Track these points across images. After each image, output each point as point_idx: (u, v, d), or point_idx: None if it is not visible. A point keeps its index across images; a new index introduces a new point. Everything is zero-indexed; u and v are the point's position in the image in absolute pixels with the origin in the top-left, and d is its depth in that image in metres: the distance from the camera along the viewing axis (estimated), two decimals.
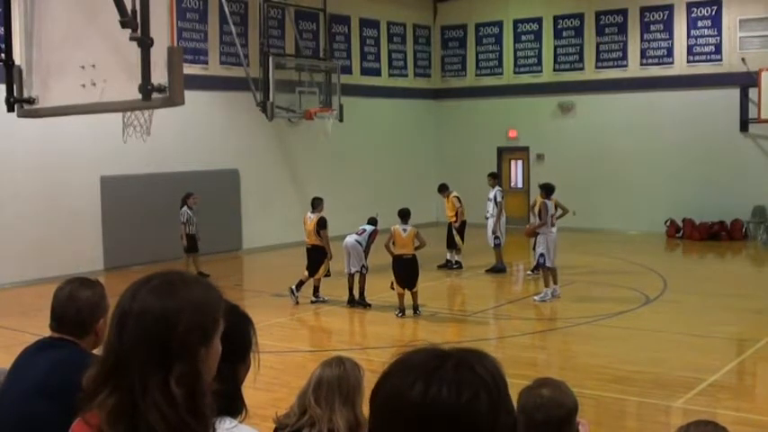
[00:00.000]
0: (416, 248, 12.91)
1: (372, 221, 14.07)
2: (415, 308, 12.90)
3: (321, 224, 13.74)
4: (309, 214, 14.05)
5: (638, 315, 12.89)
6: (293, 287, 13.93)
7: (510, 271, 16.96)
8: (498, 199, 16.66)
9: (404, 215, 13.22)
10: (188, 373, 1.81)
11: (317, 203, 14.13)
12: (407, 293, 12.87)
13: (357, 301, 13.61)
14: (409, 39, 25.35)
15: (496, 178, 17.50)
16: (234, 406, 2.36)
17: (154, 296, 1.85)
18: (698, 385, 9.08)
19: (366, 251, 13.68)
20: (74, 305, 3.17)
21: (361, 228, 13.91)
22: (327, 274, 13.93)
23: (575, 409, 3.20)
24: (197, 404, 1.81)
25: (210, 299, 1.92)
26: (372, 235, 13.80)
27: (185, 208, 16.16)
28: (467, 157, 24.62)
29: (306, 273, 13.92)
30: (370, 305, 13.55)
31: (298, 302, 13.83)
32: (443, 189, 17.63)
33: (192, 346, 1.84)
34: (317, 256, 13.79)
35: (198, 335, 1.85)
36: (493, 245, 16.64)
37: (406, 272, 12.82)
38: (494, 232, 16.64)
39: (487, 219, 16.89)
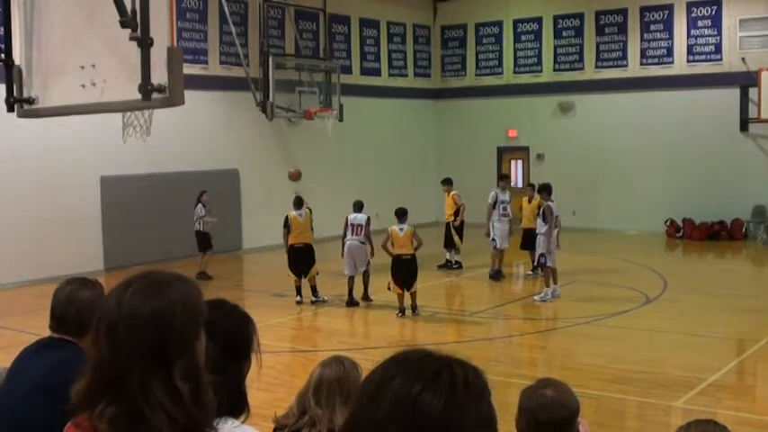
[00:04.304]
0: (415, 249, 12.92)
1: (359, 207, 13.97)
2: (414, 308, 12.90)
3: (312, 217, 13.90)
4: (298, 212, 13.98)
5: (638, 315, 12.89)
6: (312, 298, 13.92)
7: (509, 271, 16.95)
8: (489, 200, 16.38)
9: (400, 214, 13.19)
10: (190, 367, 1.82)
11: (301, 203, 14.13)
12: (406, 293, 12.88)
13: (363, 298, 13.69)
14: (409, 39, 25.35)
15: (501, 179, 17.21)
16: (237, 406, 2.36)
17: (140, 299, 1.85)
18: (698, 385, 9.08)
19: (369, 240, 13.65)
20: (74, 306, 3.17)
21: (355, 223, 13.76)
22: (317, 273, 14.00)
23: (577, 411, 3.20)
24: (202, 397, 1.82)
25: (193, 292, 1.93)
26: (368, 223, 13.78)
27: (200, 206, 16.29)
28: (467, 157, 24.64)
29: (296, 278, 13.88)
30: (371, 300, 13.67)
31: (326, 300, 13.92)
32: (447, 183, 17.50)
33: (189, 341, 1.85)
34: (307, 256, 13.80)
35: (191, 329, 1.86)
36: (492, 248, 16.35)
37: (404, 272, 12.82)
38: (487, 235, 16.37)
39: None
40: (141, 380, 1.77)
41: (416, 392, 1.40)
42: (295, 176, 15.90)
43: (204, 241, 16.36)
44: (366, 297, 13.77)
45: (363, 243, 13.64)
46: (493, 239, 16.01)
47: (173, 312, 1.84)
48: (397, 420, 1.38)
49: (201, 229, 16.35)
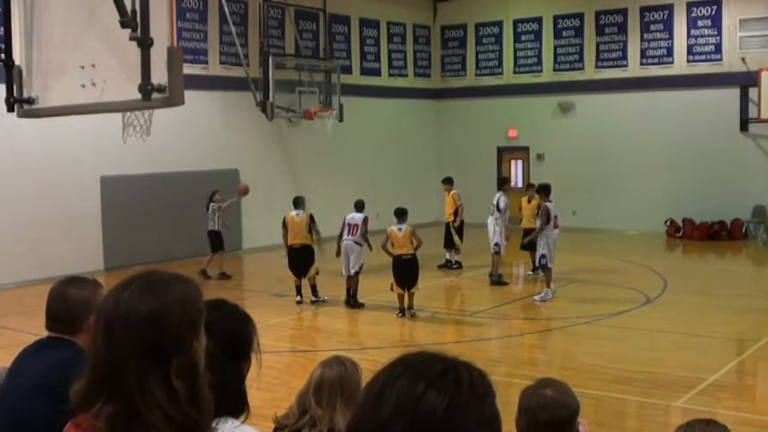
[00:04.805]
0: (415, 248, 12.89)
1: (359, 207, 13.97)
2: (410, 308, 12.84)
3: (312, 219, 13.82)
4: (296, 212, 13.98)
5: (638, 315, 12.89)
6: (297, 298, 13.93)
7: (510, 271, 16.94)
8: (501, 206, 16.19)
9: (399, 214, 13.14)
10: (186, 366, 1.82)
11: (301, 202, 14.14)
12: (407, 293, 12.86)
13: (351, 303, 13.62)
14: (409, 39, 25.35)
15: (505, 183, 16.97)
16: (237, 405, 2.36)
17: (137, 298, 1.85)
18: (698, 385, 9.08)
19: (366, 239, 13.64)
20: (65, 303, 3.18)
21: (352, 223, 13.77)
22: (317, 272, 13.96)
23: (577, 411, 3.20)
24: (198, 396, 1.82)
25: (192, 291, 1.94)
26: (365, 222, 13.77)
27: (213, 204, 16.38)
28: (467, 157, 24.64)
29: (295, 278, 13.89)
30: (362, 305, 13.58)
31: (326, 300, 13.92)
32: (448, 182, 17.49)
33: (186, 340, 1.85)
34: (306, 256, 13.79)
35: (189, 328, 1.87)
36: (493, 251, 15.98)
37: (404, 272, 12.80)
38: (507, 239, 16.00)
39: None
40: (138, 379, 1.77)
41: (420, 392, 1.40)
42: (243, 192, 16.12)
43: (217, 241, 16.44)
44: (354, 301, 13.63)
45: (359, 243, 13.61)
46: (497, 244, 15.69)
47: (170, 312, 1.84)
48: (401, 420, 1.39)
49: (216, 228, 16.42)
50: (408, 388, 1.41)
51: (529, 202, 16.55)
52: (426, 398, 1.40)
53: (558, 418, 3.10)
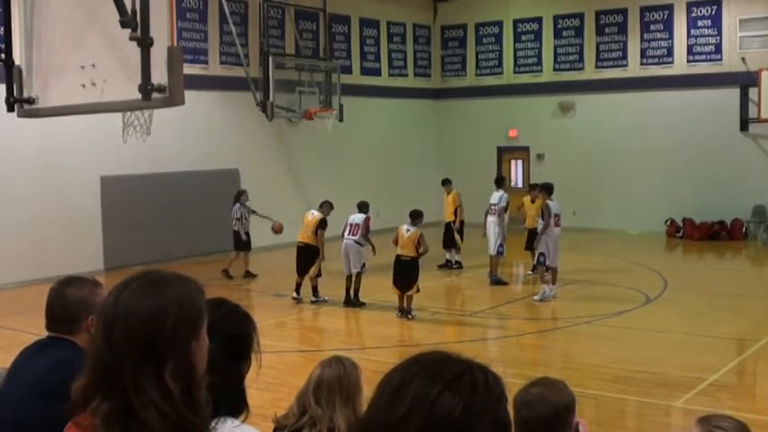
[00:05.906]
0: (420, 254, 12.86)
1: (363, 208, 14.04)
2: (407, 311, 12.80)
3: (321, 224, 13.79)
4: (313, 211, 14.13)
5: (638, 315, 12.89)
6: (294, 295, 13.97)
7: (510, 270, 16.93)
8: (502, 204, 15.90)
9: (412, 216, 13.17)
10: (181, 366, 1.82)
11: (323, 205, 14.23)
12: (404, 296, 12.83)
13: (352, 301, 13.62)
14: (409, 39, 25.35)
15: (504, 181, 16.88)
16: (237, 405, 2.36)
17: (137, 298, 1.85)
18: (698, 385, 9.09)
19: (367, 239, 13.72)
20: (61, 302, 3.19)
21: (353, 223, 13.83)
22: (319, 274, 13.94)
23: (564, 409, 3.12)
24: (193, 397, 1.82)
25: (193, 292, 1.93)
26: (366, 222, 13.79)
27: (238, 205, 16.39)
28: (467, 157, 24.64)
29: (297, 276, 13.98)
30: (364, 304, 13.58)
31: (302, 301, 13.96)
32: (447, 183, 17.59)
33: (183, 341, 1.85)
34: (308, 256, 13.83)
35: (186, 328, 1.87)
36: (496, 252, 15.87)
37: (399, 273, 12.81)
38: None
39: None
40: (134, 377, 1.78)
41: (436, 393, 1.42)
42: (278, 230, 16.19)
43: (239, 241, 16.53)
44: (356, 300, 13.65)
45: (359, 243, 13.64)
46: (501, 245, 15.58)
47: (166, 313, 1.84)
48: (416, 420, 1.41)
49: (245, 229, 16.53)
50: (424, 389, 1.43)
51: (532, 202, 16.53)
52: (442, 400, 1.42)
53: (542, 416, 3.06)
